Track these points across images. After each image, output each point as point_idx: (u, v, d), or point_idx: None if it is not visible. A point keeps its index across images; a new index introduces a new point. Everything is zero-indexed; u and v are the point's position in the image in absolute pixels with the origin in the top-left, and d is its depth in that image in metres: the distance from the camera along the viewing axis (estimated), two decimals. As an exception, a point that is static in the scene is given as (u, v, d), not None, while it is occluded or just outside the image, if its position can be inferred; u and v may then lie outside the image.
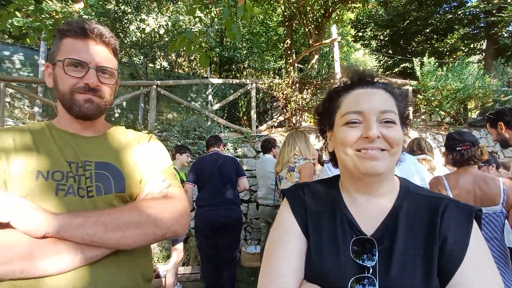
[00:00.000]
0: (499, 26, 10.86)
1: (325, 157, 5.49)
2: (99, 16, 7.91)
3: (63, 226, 0.72)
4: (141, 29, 8.78)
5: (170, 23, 8.84)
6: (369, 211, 0.70)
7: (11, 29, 2.62)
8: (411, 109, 7.43)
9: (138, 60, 9.45)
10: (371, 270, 0.62)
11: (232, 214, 3.16)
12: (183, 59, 10.68)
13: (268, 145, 3.92)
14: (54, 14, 3.11)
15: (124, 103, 7.81)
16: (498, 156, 6.93)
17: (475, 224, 0.64)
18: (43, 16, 2.62)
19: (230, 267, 3.23)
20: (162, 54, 9.77)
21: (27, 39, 2.91)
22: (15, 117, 6.21)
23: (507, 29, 11.21)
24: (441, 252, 0.61)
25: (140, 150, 0.99)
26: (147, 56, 8.98)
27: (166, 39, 9.31)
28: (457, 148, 1.93)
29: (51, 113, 6.30)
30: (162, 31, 9.30)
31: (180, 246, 3.49)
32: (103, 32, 0.92)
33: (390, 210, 0.69)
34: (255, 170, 5.00)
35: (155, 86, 5.85)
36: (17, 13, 2.59)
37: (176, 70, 10.27)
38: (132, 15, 8.60)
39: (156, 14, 8.82)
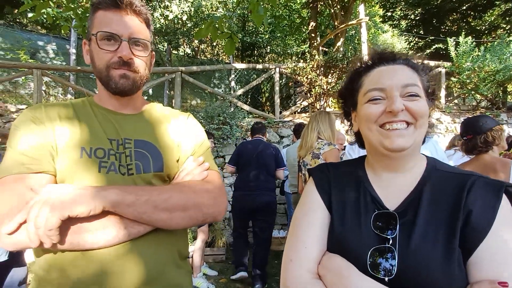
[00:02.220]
0: (548, -1, 9.84)
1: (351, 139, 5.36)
2: (124, 4, 8.04)
3: (117, 202, 0.74)
4: (164, 15, 8.85)
5: (193, 9, 8.82)
6: (394, 187, 0.71)
7: (46, 19, 2.71)
8: (442, 90, 7.03)
9: (163, 47, 9.57)
10: (391, 241, 0.63)
11: (264, 199, 3.38)
12: (206, 45, 10.70)
13: (301, 130, 3.82)
14: (84, 2, 3.20)
15: (150, 90, 8.00)
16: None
17: (505, 200, 0.62)
18: (74, 5, 2.70)
19: (262, 249, 3.44)
20: (185, 40, 9.83)
21: (62, 29, 3.00)
22: (51, 105, 6.55)
23: (556, 3, 10.14)
24: (466, 224, 0.60)
25: (178, 128, 0.98)
26: (171, 43, 9.07)
27: (189, 25, 9.33)
28: (464, 138, 1.97)
29: (83, 100, 6.59)
30: (185, 17, 9.33)
31: (205, 227, 3.61)
32: (133, 1, 0.88)
33: (415, 186, 0.69)
34: (279, 155, 4.99)
35: (179, 73, 5.92)
36: (50, 2, 2.68)
37: (199, 56, 10.32)
38: (156, 2, 8.67)
39: (179, 0, 8.82)
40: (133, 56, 0.88)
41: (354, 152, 2.43)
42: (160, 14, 8.81)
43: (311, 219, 0.74)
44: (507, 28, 12.16)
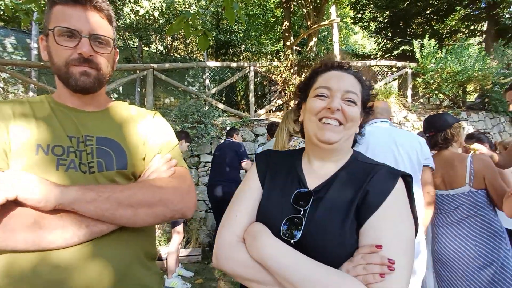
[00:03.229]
0: (501, 6, 10.67)
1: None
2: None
3: (76, 199, 0.71)
4: (135, 11, 8.54)
5: (165, 5, 8.59)
6: (320, 172, 0.84)
7: (4, 11, 2.51)
8: (408, 89, 7.39)
9: (133, 43, 9.24)
10: (301, 212, 0.77)
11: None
12: (179, 43, 10.47)
13: (276, 129, 3.92)
14: (46, -8, 2.99)
15: (120, 88, 7.70)
16: (492, 137, 6.97)
17: (401, 186, 0.75)
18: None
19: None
20: (157, 37, 9.56)
21: (22, 22, 2.78)
22: (10, 103, 6.10)
23: (508, 9, 11.01)
24: (362, 202, 0.73)
25: (144, 126, 0.96)
26: (142, 39, 8.78)
27: (161, 21, 9.09)
28: (427, 135, 2.05)
29: (46, 98, 6.19)
30: (156, 13, 9.06)
31: (180, 228, 3.53)
32: None
33: (335, 172, 0.82)
34: (253, 154, 5.01)
35: (151, 70, 5.75)
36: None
37: (172, 53, 10.08)
38: (125, -3, 8.35)
39: (150, -5, 8.56)
40: (94, 53, 0.85)
41: None
42: (130, 9, 8.49)
43: (246, 193, 0.86)
44: (466, 32, 13.05)
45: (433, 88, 7.28)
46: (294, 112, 1.00)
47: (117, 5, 8.14)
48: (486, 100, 7.56)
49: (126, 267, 0.81)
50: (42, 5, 2.72)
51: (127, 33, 8.69)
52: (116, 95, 7.92)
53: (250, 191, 0.87)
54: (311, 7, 8.39)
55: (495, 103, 7.29)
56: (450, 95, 7.56)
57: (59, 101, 0.90)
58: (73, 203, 0.71)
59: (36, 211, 0.71)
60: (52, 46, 0.84)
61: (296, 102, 0.98)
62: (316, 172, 0.84)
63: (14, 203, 0.70)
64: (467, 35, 12.82)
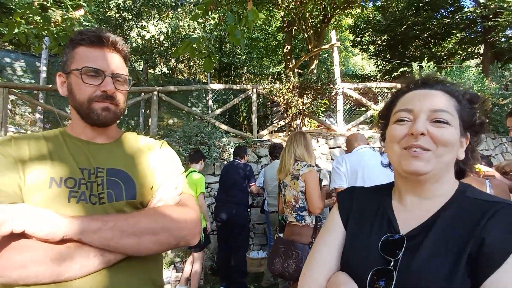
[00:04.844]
0: (496, 30, 10.97)
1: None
2: (100, 23, 7.98)
3: (82, 229, 0.73)
4: (141, 35, 8.84)
5: (170, 30, 8.90)
6: (415, 212, 0.69)
7: (18, 38, 2.62)
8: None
9: (139, 66, 9.50)
10: (392, 263, 0.63)
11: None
12: (183, 65, 10.75)
13: (278, 151, 3.95)
14: (59, 21, 3.14)
15: (126, 110, 7.84)
16: (495, 158, 6.95)
17: None
18: (49, 25, 2.64)
19: (236, 257, 3.90)
20: (162, 60, 9.83)
21: (35, 50, 2.90)
22: (17, 124, 6.22)
23: (503, 33, 11.31)
24: (479, 252, 0.56)
25: (151, 157, 1.00)
26: (147, 62, 9.03)
27: (166, 45, 9.38)
28: None
29: (53, 120, 6.31)
30: (162, 38, 9.37)
31: (201, 254, 3.69)
32: (117, 40, 0.94)
33: (436, 211, 0.66)
34: (257, 175, 5.01)
35: (156, 92, 5.88)
36: (22, 21, 2.61)
37: (176, 75, 10.32)
38: (132, 22, 8.68)
39: (156, 21, 8.89)
40: (116, 90, 0.92)
41: (342, 166, 2.50)
42: (136, 34, 8.80)
43: (327, 238, 0.78)
44: (463, 54, 13.34)
45: (434, 109, 7.34)
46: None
47: (124, 30, 8.45)
48: (487, 121, 7.59)
49: None
50: (55, 32, 2.85)
51: (133, 56, 8.96)
52: (121, 117, 8.06)
53: (332, 234, 0.78)
54: (311, 31, 8.68)
55: (496, 124, 7.33)
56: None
57: (72, 134, 0.94)
58: (79, 234, 0.73)
59: (45, 243, 0.72)
60: (76, 83, 0.90)
61: (380, 131, 0.84)
62: (410, 212, 0.70)
63: (22, 236, 0.72)
64: (465, 57, 13.11)
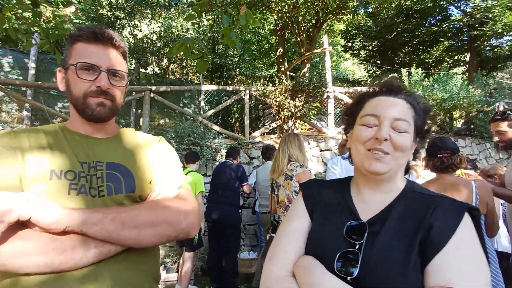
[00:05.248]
0: (481, 39, 11.34)
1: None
2: (91, 21, 7.88)
3: (84, 221, 0.74)
4: (133, 34, 8.77)
5: (163, 29, 8.86)
6: (371, 203, 0.79)
7: (8, 34, 2.57)
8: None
9: (130, 65, 9.40)
10: (357, 246, 0.71)
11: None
12: (175, 65, 10.69)
13: (271, 152, 3.98)
14: (50, 18, 3.09)
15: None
16: (479, 162, 7.17)
17: (467, 220, 0.69)
18: (39, 21, 2.60)
19: (228, 258, 3.91)
20: (154, 59, 9.76)
21: (25, 47, 2.85)
22: (3, 121, 6.07)
23: (488, 42, 11.69)
24: (427, 237, 0.67)
25: (150, 152, 1.01)
26: (139, 61, 8.95)
27: (159, 44, 9.32)
28: (438, 155, 1.95)
29: (41, 118, 6.18)
30: (154, 37, 9.31)
31: (192, 254, 3.64)
32: (114, 36, 0.95)
33: (390, 202, 0.77)
34: (248, 176, 5.02)
35: (149, 92, 5.84)
36: (13, 16, 2.56)
37: (168, 75, 10.27)
38: (125, 21, 8.60)
39: (149, 20, 8.84)
40: (111, 86, 0.93)
41: (337, 166, 2.55)
42: (129, 33, 8.72)
43: (293, 225, 0.83)
44: (450, 61, 13.72)
45: (421, 114, 7.54)
46: (342, 136, 0.99)
47: (116, 28, 8.36)
48: (472, 126, 7.85)
49: (134, 287, 0.82)
50: (46, 28, 2.81)
51: (125, 55, 8.86)
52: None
53: (297, 222, 0.83)
54: (304, 35, 8.78)
55: (480, 130, 7.57)
56: (438, 121, 7.83)
57: (72, 129, 0.96)
58: (81, 225, 0.74)
59: (46, 233, 0.73)
60: (72, 78, 0.91)
61: (344, 127, 0.94)
62: (368, 203, 0.80)
63: (24, 225, 0.73)
64: (451, 65, 13.48)
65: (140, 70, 9.13)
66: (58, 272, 0.73)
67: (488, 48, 11.90)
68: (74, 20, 7.16)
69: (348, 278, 0.67)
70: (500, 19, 10.12)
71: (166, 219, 0.84)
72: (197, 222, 0.93)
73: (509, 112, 2.25)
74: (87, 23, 7.48)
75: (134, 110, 7.58)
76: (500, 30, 10.45)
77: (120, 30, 8.50)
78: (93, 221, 0.75)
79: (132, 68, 8.94)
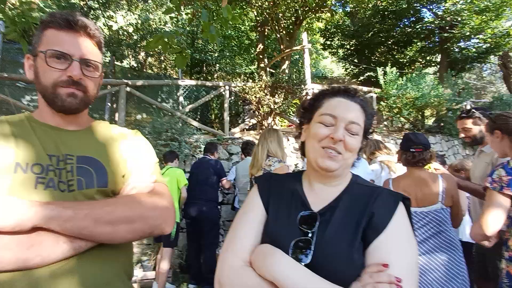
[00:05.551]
0: (451, 41, 11.92)
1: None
2: (62, 10, 7.49)
3: (52, 218, 0.71)
4: (108, 26, 8.45)
5: (139, 22, 8.60)
6: (322, 195, 0.86)
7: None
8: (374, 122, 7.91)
9: (105, 58, 9.06)
10: (310, 235, 0.78)
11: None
12: (153, 59, 10.42)
13: (251, 148, 3.97)
14: (16, 5, 2.90)
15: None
16: (448, 158, 7.57)
17: (402, 208, 0.79)
18: (2, 8, 2.43)
19: (207, 254, 3.88)
20: (131, 52, 9.46)
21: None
22: (-37, 115, 5.65)
23: (457, 44, 12.32)
24: (368, 224, 0.76)
25: (124, 145, 0.98)
26: (115, 54, 8.64)
27: (135, 37, 9.04)
28: (411, 149, 2.04)
29: (6, 111, 5.81)
30: (131, 29, 9.02)
31: (170, 252, 3.60)
32: (88, 24, 0.90)
33: (337, 195, 0.85)
34: (227, 172, 5.01)
35: (124, 86, 5.65)
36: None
37: (146, 70, 9.99)
38: (99, 11, 8.26)
39: (125, 12, 8.54)
40: (83, 76, 0.88)
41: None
42: (103, 24, 8.38)
43: (249, 216, 0.87)
44: (422, 62, 14.32)
45: (395, 112, 7.85)
46: (296, 129, 1.02)
47: (90, 19, 8.01)
48: (442, 124, 8.27)
49: (106, 284, 0.80)
50: (13, 16, 2.64)
51: (99, 47, 8.53)
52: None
53: (253, 213, 0.87)
54: (284, 32, 8.83)
55: (449, 127, 7.98)
56: (411, 119, 8.18)
57: (40, 120, 0.90)
58: (50, 223, 0.70)
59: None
60: (41, 67, 0.86)
61: (299, 121, 0.99)
62: (318, 195, 0.86)
63: None
64: (424, 65, 14.07)
65: (116, 63, 8.80)
66: (24, 269, 0.69)
67: (457, 50, 12.54)
68: (44, 9, 6.77)
69: (302, 263, 0.73)
70: (468, 22, 10.69)
71: (141, 215, 0.82)
72: (173, 218, 0.91)
73: (473, 110, 2.39)
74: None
75: (109, 104, 7.31)
76: (468, 33, 11.04)
77: (94, 21, 8.15)
78: (64, 218, 0.71)
79: (107, 61, 8.61)
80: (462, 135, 2.47)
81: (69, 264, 0.74)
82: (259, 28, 9.48)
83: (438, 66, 13.62)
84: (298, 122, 0.99)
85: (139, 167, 0.95)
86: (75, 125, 0.94)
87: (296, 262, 0.72)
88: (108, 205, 0.79)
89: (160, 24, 9.35)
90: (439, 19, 11.51)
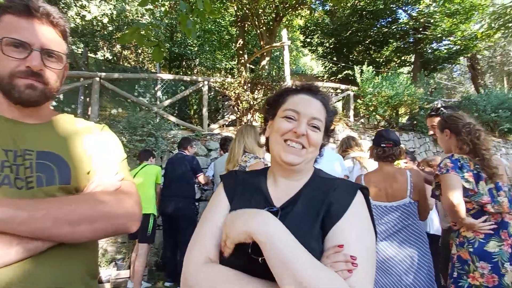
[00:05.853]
0: (424, 42, 12.40)
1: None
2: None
3: (4, 221, 0.66)
4: (81, 15, 8.06)
5: (115, 12, 8.27)
6: (285, 190, 0.88)
7: None
8: (351, 110, 8.08)
9: (77, 49, 8.65)
10: None
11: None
12: (129, 52, 10.08)
13: (229, 143, 3.94)
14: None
15: (61, 96, 7.09)
16: (419, 155, 7.91)
17: (360, 197, 0.82)
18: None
19: (183, 251, 3.67)
20: (105, 44, 9.10)
21: None
22: None
23: (430, 45, 12.84)
24: (327, 213, 0.79)
25: (90, 140, 0.93)
26: (88, 45, 8.27)
27: (110, 28, 8.70)
28: (382, 145, 2.15)
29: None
30: (105, 20, 8.66)
31: (146, 248, 3.52)
32: (51, 11, 0.84)
33: (299, 189, 0.87)
34: (206, 168, 4.97)
35: (98, 79, 5.43)
36: None
37: (122, 62, 9.65)
38: (70, 0, 7.85)
39: (99, 1, 8.18)
40: (44, 67, 0.83)
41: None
42: (75, 13, 7.99)
43: (214, 213, 0.88)
44: (398, 61, 14.81)
45: (371, 109, 8.08)
46: (261, 126, 1.02)
47: (60, 7, 7.59)
48: (415, 122, 8.61)
49: (67, 285, 0.76)
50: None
51: (71, 37, 8.13)
52: (56, 103, 7.27)
53: (217, 210, 0.88)
54: (264, 28, 8.82)
55: (421, 125, 8.34)
56: (386, 116, 8.45)
57: None
58: (3, 227, 0.66)
59: None
60: None
61: (263, 116, 1.01)
62: (281, 190, 0.89)
63: None
64: (399, 64, 14.56)
65: (89, 54, 8.43)
66: None
67: (429, 50, 13.07)
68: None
69: (259, 259, 0.71)
70: (440, 24, 11.16)
71: (104, 214, 0.79)
72: (139, 217, 0.88)
73: (442, 108, 2.50)
74: None
75: (82, 98, 7.00)
76: (439, 35, 11.53)
77: (65, 9, 7.75)
78: (17, 221, 0.67)
79: (80, 52, 8.23)
80: (431, 132, 2.59)
81: (22, 266, 0.70)
82: (239, 23, 9.41)
83: (412, 66, 14.15)
84: (263, 118, 1.01)
85: (105, 164, 0.91)
86: (35, 118, 0.88)
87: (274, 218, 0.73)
88: (69, 204, 0.76)
89: (137, 16, 9.04)
90: (413, 21, 11.93)
